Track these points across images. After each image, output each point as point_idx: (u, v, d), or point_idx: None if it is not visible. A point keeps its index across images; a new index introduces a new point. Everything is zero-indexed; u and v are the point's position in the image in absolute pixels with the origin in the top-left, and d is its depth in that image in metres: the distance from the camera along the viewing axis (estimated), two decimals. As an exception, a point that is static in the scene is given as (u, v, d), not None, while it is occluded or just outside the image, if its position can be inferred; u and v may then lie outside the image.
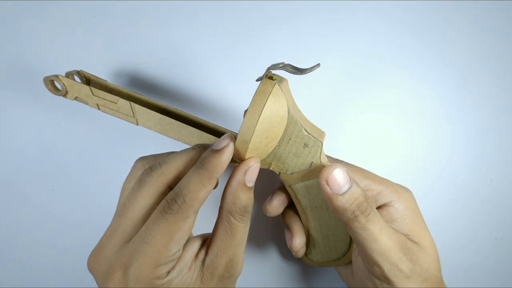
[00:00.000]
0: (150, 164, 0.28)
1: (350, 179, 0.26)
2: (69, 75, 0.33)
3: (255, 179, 0.27)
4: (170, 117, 0.31)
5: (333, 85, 0.39)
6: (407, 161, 0.39)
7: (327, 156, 0.32)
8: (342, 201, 0.26)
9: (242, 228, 0.26)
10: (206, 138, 0.30)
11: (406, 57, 0.39)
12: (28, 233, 0.39)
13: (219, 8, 0.39)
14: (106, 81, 0.34)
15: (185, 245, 0.26)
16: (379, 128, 0.39)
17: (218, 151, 0.25)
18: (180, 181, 0.25)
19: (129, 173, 0.30)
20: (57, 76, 0.31)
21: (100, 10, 0.39)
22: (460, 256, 0.38)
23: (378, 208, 0.30)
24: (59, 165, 0.39)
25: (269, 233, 0.39)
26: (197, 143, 0.30)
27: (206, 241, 0.27)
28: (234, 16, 0.39)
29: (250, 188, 0.26)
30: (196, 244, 0.27)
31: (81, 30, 0.39)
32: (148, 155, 0.30)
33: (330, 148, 0.37)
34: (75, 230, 0.39)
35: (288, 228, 0.33)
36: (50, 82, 0.32)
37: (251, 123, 0.26)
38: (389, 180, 0.31)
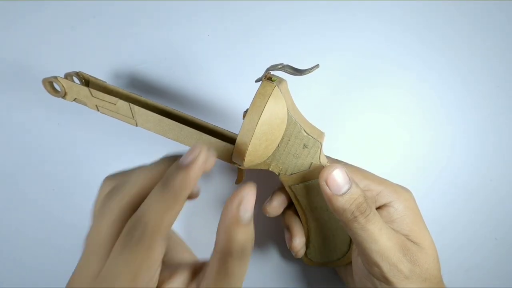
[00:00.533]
0: (115, 184, 0.24)
1: (350, 179, 0.26)
2: (68, 76, 0.33)
3: (252, 210, 0.21)
4: (169, 118, 0.31)
5: (333, 85, 0.39)
6: (407, 161, 0.39)
7: (326, 156, 0.32)
8: (342, 202, 0.26)
9: (239, 273, 0.21)
10: (206, 138, 0.30)
11: (406, 57, 0.39)
12: (28, 233, 0.39)
13: (219, 8, 0.39)
14: (105, 82, 0.34)
15: (168, 279, 0.22)
16: (379, 128, 0.39)
17: (185, 166, 0.21)
18: (141, 205, 0.21)
19: (97, 195, 0.26)
20: (55, 77, 0.31)
21: (100, 10, 0.39)
22: (460, 256, 0.38)
23: (378, 208, 0.30)
24: (59, 165, 0.39)
25: (269, 233, 0.39)
26: (196, 144, 0.30)
27: (198, 274, 0.23)
28: (234, 16, 0.39)
29: (247, 223, 0.21)
30: (181, 278, 0.22)
31: (81, 30, 0.39)
32: (116, 173, 0.26)
33: (330, 148, 0.37)
34: (75, 230, 0.39)
35: (288, 228, 0.33)
36: (49, 84, 0.32)
37: (250, 125, 0.26)
38: (388, 181, 0.31)
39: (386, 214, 0.29)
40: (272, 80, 0.27)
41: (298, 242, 0.32)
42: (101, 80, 0.34)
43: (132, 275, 0.20)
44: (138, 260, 0.20)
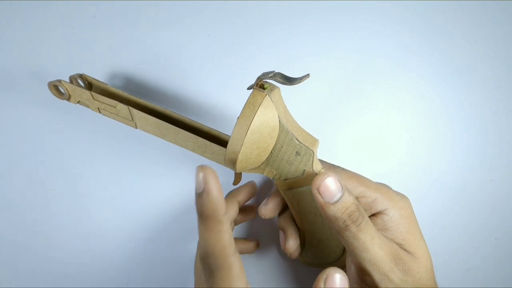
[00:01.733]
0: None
1: (342, 187, 0.26)
2: (72, 79, 0.34)
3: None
4: (167, 121, 0.31)
5: (332, 86, 0.39)
6: (407, 161, 0.39)
7: (323, 161, 0.32)
8: (334, 210, 0.26)
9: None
10: (201, 142, 0.30)
11: (406, 57, 0.39)
12: (27, 233, 0.39)
13: (219, 9, 0.39)
14: (107, 85, 0.35)
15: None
16: (379, 128, 0.39)
17: (203, 193, 0.23)
18: (198, 243, 0.25)
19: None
20: (60, 81, 0.32)
21: (100, 10, 0.39)
22: (460, 256, 0.38)
23: (373, 215, 0.30)
24: (59, 165, 0.39)
25: (268, 233, 0.39)
26: (193, 147, 0.31)
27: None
28: (234, 17, 0.39)
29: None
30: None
31: (81, 30, 0.39)
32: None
33: (330, 149, 0.37)
34: (75, 230, 0.39)
35: (283, 230, 0.33)
36: (54, 87, 0.33)
37: (240, 135, 0.26)
38: (386, 187, 0.30)
39: (381, 222, 0.29)
40: (264, 88, 0.27)
41: (292, 244, 0.33)
42: (103, 83, 0.35)
43: None
44: (216, 282, 0.24)
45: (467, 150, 0.39)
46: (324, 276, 0.24)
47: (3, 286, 0.38)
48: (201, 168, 0.23)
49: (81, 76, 0.35)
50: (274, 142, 0.28)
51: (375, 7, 0.39)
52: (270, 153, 0.28)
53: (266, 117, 0.26)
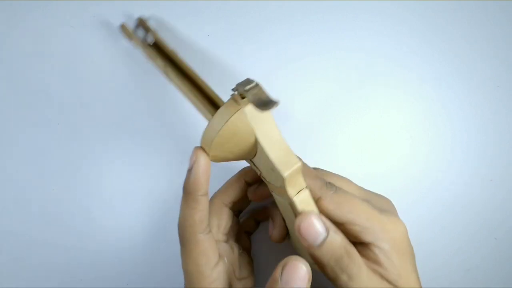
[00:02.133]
0: None
1: (326, 228, 0.24)
2: (140, 20, 0.37)
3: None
4: (195, 83, 0.33)
5: (332, 86, 0.39)
6: (407, 161, 0.39)
7: (321, 170, 0.31)
8: (320, 254, 0.24)
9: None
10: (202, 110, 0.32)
11: (406, 57, 0.39)
12: (27, 233, 0.39)
13: (219, 9, 0.39)
14: (157, 32, 0.37)
15: None
16: (379, 129, 0.39)
17: (190, 171, 0.26)
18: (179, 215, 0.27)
19: None
20: (123, 24, 0.37)
21: (99, 10, 0.39)
22: (460, 256, 0.38)
23: (362, 245, 0.27)
24: (59, 165, 0.39)
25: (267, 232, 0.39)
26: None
27: None
28: (234, 17, 0.39)
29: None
30: None
31: (81, 30, 0.39)
32: None
33: (330, 150, 0.37)
34: (75, 230, 0.39)
35: (271, 218, 0.33)
36: (122, 28, 0.37)
37: (207, 140, 0.25)
38: (380, 215, 0.27)
39: (371, 254, 0.26)
40: (243, 97, 0.24)
41: (276, 233, 0.32)
42: (155, 32, 0.37)
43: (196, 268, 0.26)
44: (195, 254, 0.26)
45: (467, 150, 0.39)
46: (282, 265, 0.23)
47: (3, 286, 0.38)
48: (196, 149, 0.26)
49: (142, 21, 0.37)
50: (256, 150, 0.26)
51: (375, 7, 0.39)
52: (254, 156, 0.27)
53: (238, 129, 0.25)
